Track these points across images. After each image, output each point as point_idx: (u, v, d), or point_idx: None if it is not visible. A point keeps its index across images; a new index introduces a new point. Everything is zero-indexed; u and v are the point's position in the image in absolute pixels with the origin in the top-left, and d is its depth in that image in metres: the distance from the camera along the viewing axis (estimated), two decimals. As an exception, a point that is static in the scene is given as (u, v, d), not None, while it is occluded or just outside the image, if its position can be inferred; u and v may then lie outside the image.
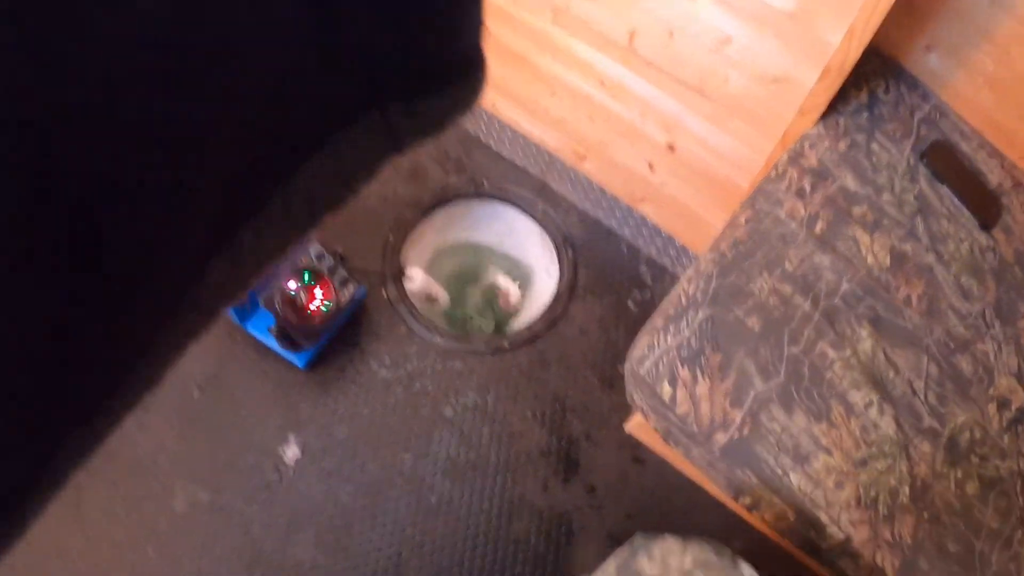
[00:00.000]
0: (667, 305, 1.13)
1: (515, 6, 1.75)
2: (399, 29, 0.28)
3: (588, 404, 1.84)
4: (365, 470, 1.74)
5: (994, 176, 1.45)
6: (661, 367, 1.05)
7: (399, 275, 1.92)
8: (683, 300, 1.10)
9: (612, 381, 1.86)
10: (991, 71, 1.43)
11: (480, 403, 1.81)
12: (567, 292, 1.94)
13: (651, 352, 1.07)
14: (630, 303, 1.97)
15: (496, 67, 1.95)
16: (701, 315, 1.07)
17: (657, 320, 1.12)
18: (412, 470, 1.74)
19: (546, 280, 2.04)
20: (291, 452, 1.76)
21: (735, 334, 1.07)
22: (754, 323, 1.09)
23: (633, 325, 1.93)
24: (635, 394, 1.13)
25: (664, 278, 2.01)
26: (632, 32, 1.53)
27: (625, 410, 1.83)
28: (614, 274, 2.02)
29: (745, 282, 1.11)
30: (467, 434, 1.78)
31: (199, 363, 1.86)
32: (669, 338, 1.07)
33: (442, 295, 1.95)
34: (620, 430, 1.81)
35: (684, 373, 1.04)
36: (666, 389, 1.05)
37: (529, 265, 2.13)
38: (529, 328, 1.89)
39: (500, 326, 2.07)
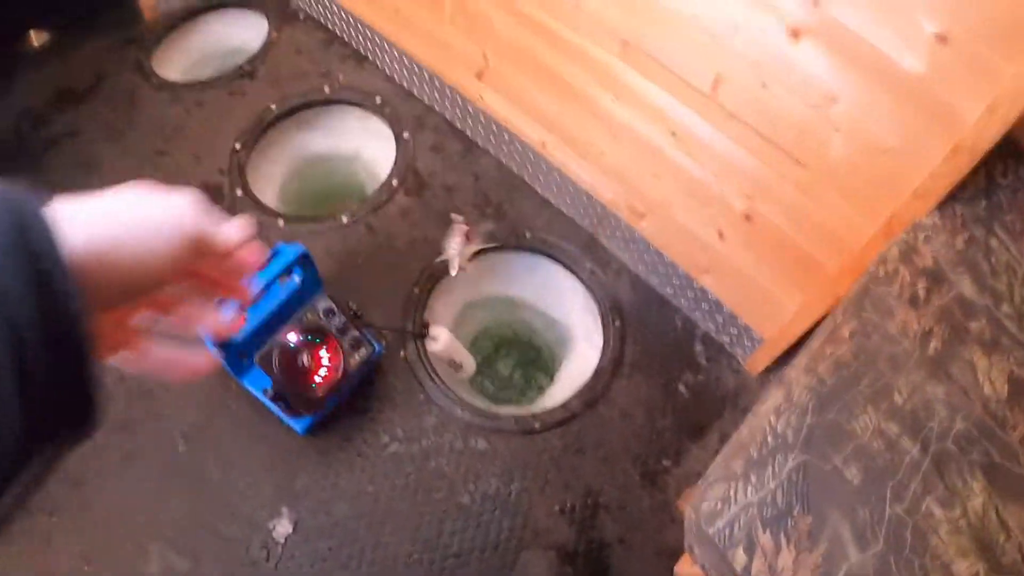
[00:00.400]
0: (748, 441, 0.89)
1: (574, 31, 1.53)
2: None
3: (625, 502, 1.60)
4: (364, 558, 1.52)
5: None
6: (737, 529, 0.82)
7: (422, 333, 1.70)
8: (769, 439, 0.86)
9: (655, 477, 1.62)
10: None
11: (502, 491, 1.58)
12: (610, 367, 1.71)
13: (726, 508, 0.83)
14: (681, 387, 1.73)
15: (548, 101, 1.74)
16: (792, 462, 0.84)
17: (735, 463, 0.88)
18: (417, 563, 1.52)
19: (586, 350, 1.80)
20: (282, 527, 1.56)
21: (831, 489, 0.83)
22: (854, 474, 0.85)
23: (683, 412, 1.70)
24: (697, 549, 0.89)
25: (720, 359, 1.77)
26: (717, 77, 1.31)
27: (667, 513, 1.59)
28: (665, 350, 1.77)
29: (847, 419, 0.87)
30: (484, 527, 1.55)
31: (186, 410, 1.66)
32: (750, 490, 0.83)
33: (468, 361, 1.72)
34: (659, 536, 1.57)
35: (765, 539, 0.81)
36: (740, 557, 0.81)
37: (569, 328, 1.90)
38: (564, 407, 1.66)
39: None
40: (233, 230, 0.52)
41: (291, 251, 1.52)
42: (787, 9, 1.13)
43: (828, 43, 1.12)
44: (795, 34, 1.14)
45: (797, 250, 1.40)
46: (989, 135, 1.01)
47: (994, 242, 1.15)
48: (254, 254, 0.55)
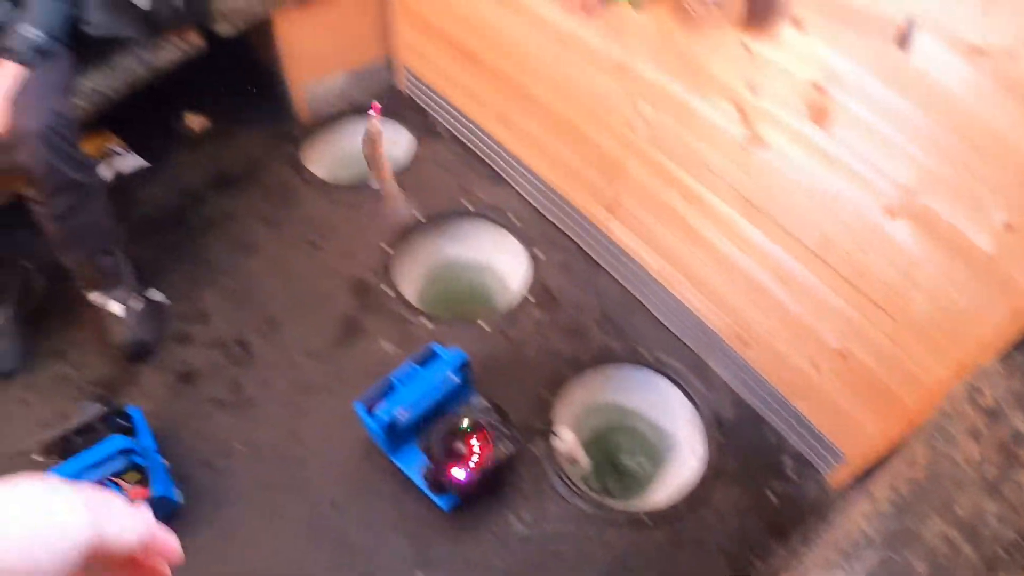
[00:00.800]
0: (842, 539, 1.17)
1: (700, 183, 1.87)
2: None
3: (718, 594, 1.85)
4: (487, 622, 1.80)
5: None
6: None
7: (549, 432, 2.01)
8: (859, 538, 1.14)
9: (745, 573, 1.86)
10: None
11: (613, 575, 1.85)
12: (710, 474, 1.98)
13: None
14: (770, 494, 1.98)
15: (670, 237, 2.07)
16: (876, 557, 1.11)
17: (832, 555, 1.15)
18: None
19: (689, 456, 2.08)
20: (416, 589, 1.84)
21: (904, 579, 1.10)
22: (923, 569, 1.11)
23: (773, 518, 1.94)
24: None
25: (807, 473, 2.02)
26: (823, 238, 1.62)
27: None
28: (758, 462, 2.04)
29: (918, 525, 1.14)
30: (592, 607, 1.82)
31: (336, 480, 1.99)
32: None
33: (585, 461, 2.02)
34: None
35: (851, 613, 1.07)
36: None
37: (674, 437, 2.18)
38: (669, 506, 1.93)
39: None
40: (135, 532, 0.49)
41: (455, 357, 1.89)
42: (885, 192, 1.44)
43: (916, 222, 1.42)
44: (891, 212, 1.45)
45: (881, 385, 1.67)
46: None
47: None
48: (168, 550, 0.54)
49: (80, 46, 2.11)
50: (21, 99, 1.88)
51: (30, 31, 1.91)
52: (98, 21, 2.13)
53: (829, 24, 1.39)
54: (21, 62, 1.90)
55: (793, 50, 1.48)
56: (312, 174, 2.80)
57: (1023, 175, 1.23)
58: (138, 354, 2.22)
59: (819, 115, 1.49)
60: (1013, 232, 1.30)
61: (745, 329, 1.99)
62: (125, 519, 0.48)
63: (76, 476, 1.75)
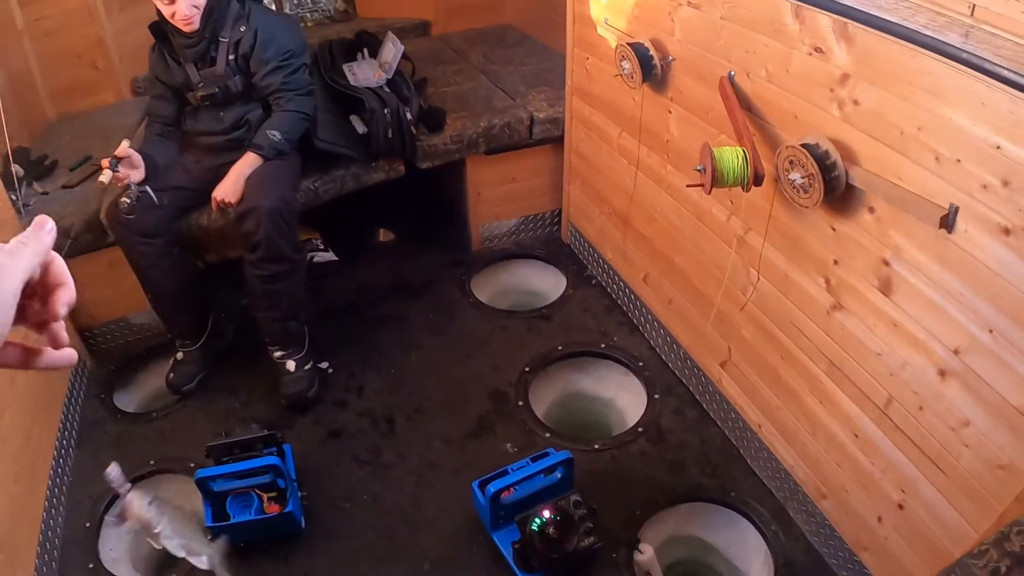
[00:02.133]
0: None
1: (797, 347, 2.16)
2: None
3: None
4: None
5: None
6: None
7: (633, 545, 2.25)
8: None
9: None
10: None
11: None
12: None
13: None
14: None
15: (769, 394, 2.34)
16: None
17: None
18: None
19: (759, 596, 2.25)
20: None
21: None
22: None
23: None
24: None
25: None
26: (889, 399, 1.86)
27: None
28: (822, 607, 2.19)
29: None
30: None
31: (442, 548, 2.30)
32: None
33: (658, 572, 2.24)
34: None
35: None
36: None
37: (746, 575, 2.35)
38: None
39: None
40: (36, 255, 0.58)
41: (560, 455, 2.22)
42: (938, 354, 1.68)
43: (964, 383, 1.64)
44: (942, 374, 1.69)
45: (931, 534, 1.81)
46: None
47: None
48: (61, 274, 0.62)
49: (308, 154, 2.78)
50: (256, 182, 2.55)
51: (275, 135, 2.60)
52: (325, 137, 2.82)
53: (892, 210, 1.71)
54: (262, 156, 2.59)
55: (868, 231, 1.80)
56: (476, 298, 3.30)
57: None
58: (299, 406, 2.74)
59: (886, 286, 1.78)
60: None
61: (823, 481, 2.18)
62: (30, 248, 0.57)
63: (229, 480, 2.23)
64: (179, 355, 2.89)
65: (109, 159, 2.41)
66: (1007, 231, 1.45)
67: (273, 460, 2.20)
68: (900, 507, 1.89)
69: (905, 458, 1.85)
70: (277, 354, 2.78)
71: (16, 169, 2.94)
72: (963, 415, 1.67)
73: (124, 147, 2.45)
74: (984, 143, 1.46)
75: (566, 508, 2.14)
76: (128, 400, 3.01)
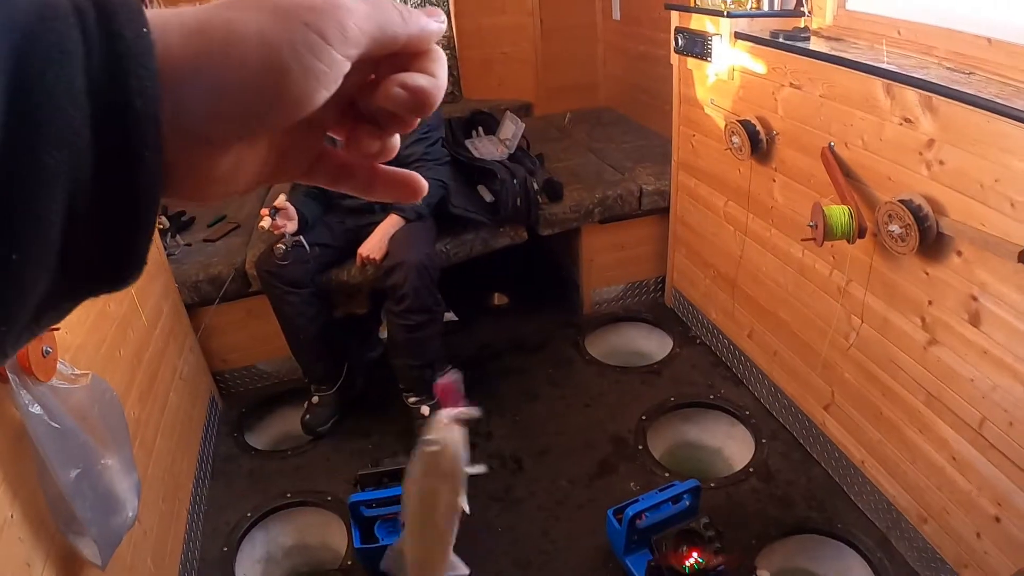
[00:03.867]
0: None
1: (896, 383, 2.46)
2: None
3: None
4: None
5: None
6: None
7: (751, 570, 2.53)
8: None
9: None
10: None
11: None
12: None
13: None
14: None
15: (871, 431, 2.63)
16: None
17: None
18: None
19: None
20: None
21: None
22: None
23: None
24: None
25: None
26: (982, 419, 2.14)
27: None
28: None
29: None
30: None
31: (570, 571, 2.61)
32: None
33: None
34: None
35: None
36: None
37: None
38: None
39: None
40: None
41: (688, 483, 2.54)
42: None
43: None
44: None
45: (1021, 549, 2.08)
46: None
47: None
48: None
49: (442, 218, 3.20)
50: (401, 240, 2.98)
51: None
52: (458, 204, 3.25)
53: (977, 251, 2.04)
54: (404, 217, 3.02)
55: (956, 272, 2.13)
56: (590, 354, 3.66)
57: None
58: None
59: (975, 318, 2.09)
60: None
61: (924, 507, 2.44)
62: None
63: (376, 507, 2.55)
64: (315, 399, 3.26)
65: (269, 208, 2.85)
66: (1075, 260, 1.78)
67: None
68: (997, 520, 2.15)
69: (1000, 473, 2.12)
70: (412, 400, 3.16)
71: (161, 220, 3.36)
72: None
73: (282, 199, 2.90)
74: (1051, 188, 1.80)
75: (696, 529, 2.45)
76: (258, 440, 3.38)
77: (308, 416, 3.25)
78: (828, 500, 2.80)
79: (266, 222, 2.84)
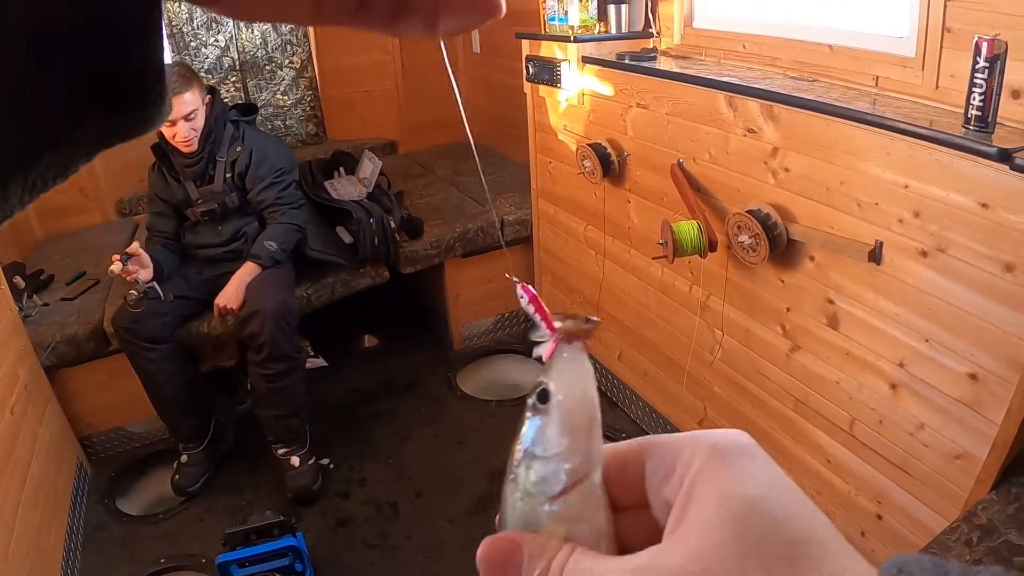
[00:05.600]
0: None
1: (764, 392, 2.39)
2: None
3: None
4: None
5: None
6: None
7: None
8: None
9: None
10: None
11: None
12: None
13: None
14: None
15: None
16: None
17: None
18: None
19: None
20: None
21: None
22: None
23: None
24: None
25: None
26: (852, 420, 2.08)
27: None
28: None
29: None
30: None
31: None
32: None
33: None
34: None
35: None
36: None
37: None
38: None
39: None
40: None
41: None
42: (887, 371, 1.92)
43: (913, 391, 1.87)
44: (893, 387, 1.93)
45: (910, 536, 1.97)
46: (1010, 434, 1.66)
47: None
48: None
49: (300, 264, 3.02)
50: (257, 288, 2.78)
51: (271, 245, 2.85)
52: (316, 247, 3.06)
53: (829, 255, 1.99)
54: (260, 264, 2.82)
55: (811, 277, 2.07)
56: (462, 391, 3.49)
57: (974, 335, 1.70)
58: (305, 499, 2.86)
59: (833, 321, 2.04)
60: (977, 381, 1.73)
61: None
62: None
63: (249, 565, 2.32)
64: (183, 458, 2.99)
65: (120, 254, 2.59)
66: (924, 253, 1.74)
67: (291, 541, 2.32)
68: (879, 517, 2.09)
69: (875, 471, 2.06)
70: (281, 451, 2.92)
71: (17, 281, 3.08)
72: (917, 419, 1.89)
73: (135, 246, 2.65)
74: (894, 185, 1.76)
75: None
76: (131, 505, 3.07)
77: (178, 477, 2.98)
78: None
79: (116, 266, 2.57)
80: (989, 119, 1.60)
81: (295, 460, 2.91)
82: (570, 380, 0.40)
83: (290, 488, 2.87)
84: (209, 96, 2.80)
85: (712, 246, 2.24)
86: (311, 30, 4.21)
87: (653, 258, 2.52)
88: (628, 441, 0.39)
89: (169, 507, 2.96)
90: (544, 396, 0.39)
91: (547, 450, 0.39)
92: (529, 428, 0.41)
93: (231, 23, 3.96)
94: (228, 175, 2.87)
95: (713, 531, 0.31)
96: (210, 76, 4.04)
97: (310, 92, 4.43)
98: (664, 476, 0.36)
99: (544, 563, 0.35)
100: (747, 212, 2.10)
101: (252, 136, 2.95)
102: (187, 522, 2.86)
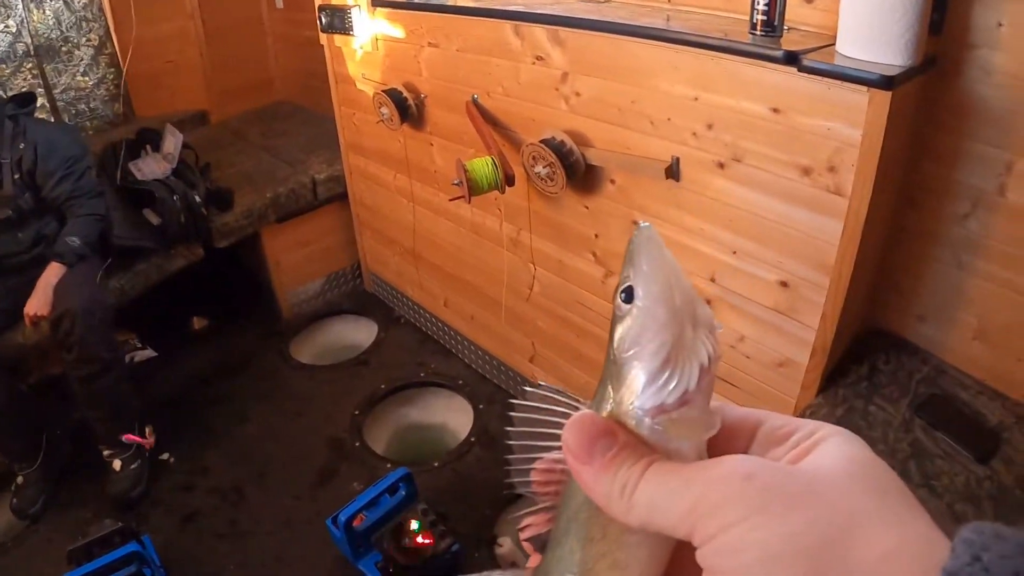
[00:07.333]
0: None
1: (586, 322, 2.28)
2: None
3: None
4: None
5: (995, 416, 1.60)
6: None
7: (492, 541, 2.26)
8: None
9: None
10: (976, 325, 1.68)
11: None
12: None
13: None
14: None
15: (581, 375, 2.44)
16: None
17: None
18: None
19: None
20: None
21: None
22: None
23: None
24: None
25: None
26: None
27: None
28: None
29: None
30: None
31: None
32: None
33: (523, 563, 2.26)
34: None
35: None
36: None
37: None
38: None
39: None
40: None
41: (397, 472, 2.20)
42: (702, 286, 1.80)
43: (728, 303, 1.78)
44: (708, 302, 1.82)
45: None
46: (828, 337, 1.60)
47: (872, 408, 1.62)
48: None
49: (109, 252, 2.64)
50: (64, 288, 2.38)
51: (74, 240, 2.45)
52: (122, 233, 2.68)
53: (629, 176, 1.86)
54: (64, 263, 2.42)
55: (614, 200, 1.95)
56: (296, 360, 3.22)
57: (780, 243, 1.62)
58: (124, 505, 2.52)
59: (640, 243, 1.93)
60: (788, 288, 1.66)
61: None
62: None
63: None
64: (19, 479, 2.57)
65: None
66: (721, 165, 1.63)
67: (133, 547, 2.03)
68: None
69: (722, 396, 1.98)
70: (106, 453, 2.58)
71: None
72: (736, 331, 1.82)
73: None
74: (684, 99, 1.63)
75: (417, 518, 2.13)
76: None
77: (15, 500, 2.55)
78: (555, 453, 2.60)
79: None
80: (776, 23, 1.49)
81: (116, 464, 2.56)
82: (652, 269, 0.35)
83: (109, 494, 2.54)
84: (-24, 95, 2.35)
85: (510, 180, 2.08)
86: (106, 2, 3.69)
87: (451, 199, 2.33)
88: (746, 410, 0.37)
89: (16, 534, 2.54)
90: (629, 295, 0.35)
91: (641, 348, 0.34)
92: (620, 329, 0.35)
93: (20, 5, 3.40)
94: (16, 176, 2.43)
95: (844, 464, 0.31)
96: (4, 66, 3.45)
97: (112, 70, 3.87)
98: (779, 439, 0.35)
99: (635, 458, 0.33)
100: (540, 142, 1.93)
101: (35, 128, 2.51)
102: (36, 546, 2.45)
